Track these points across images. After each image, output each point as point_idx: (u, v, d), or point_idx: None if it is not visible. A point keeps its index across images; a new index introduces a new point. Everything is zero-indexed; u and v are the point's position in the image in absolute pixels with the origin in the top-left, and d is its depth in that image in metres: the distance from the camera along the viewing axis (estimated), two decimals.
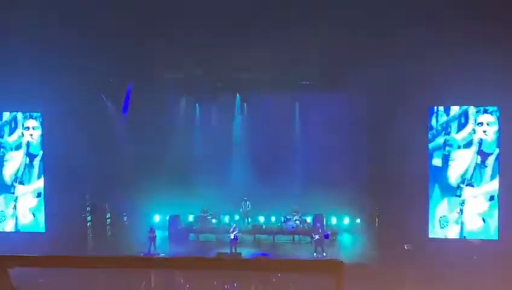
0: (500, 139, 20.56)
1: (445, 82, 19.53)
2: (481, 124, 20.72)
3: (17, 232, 23.14)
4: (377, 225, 22.19)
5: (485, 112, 20.71)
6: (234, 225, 22.54)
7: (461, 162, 20.89)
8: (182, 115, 25.16)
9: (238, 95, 24.60)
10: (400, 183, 20.31)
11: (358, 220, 24.13)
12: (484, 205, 20.83)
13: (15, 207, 23.17)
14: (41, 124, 22.91)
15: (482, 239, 20.68)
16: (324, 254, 21.43)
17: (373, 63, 19.87)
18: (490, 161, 20.73)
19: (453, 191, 21.02)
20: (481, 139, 20.77)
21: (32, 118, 22.98)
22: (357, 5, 18.89)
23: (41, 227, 23.06)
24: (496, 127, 20.64)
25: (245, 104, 24.84)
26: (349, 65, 20.41)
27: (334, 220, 23.93)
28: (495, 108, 20.63)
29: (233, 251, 21.64)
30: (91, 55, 20.62)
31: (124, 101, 22.88)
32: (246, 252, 21.53)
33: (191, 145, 25.04)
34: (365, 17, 18.92)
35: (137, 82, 22.35)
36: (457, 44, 18.68)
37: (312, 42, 20.24)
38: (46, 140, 22.83)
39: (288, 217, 23.82)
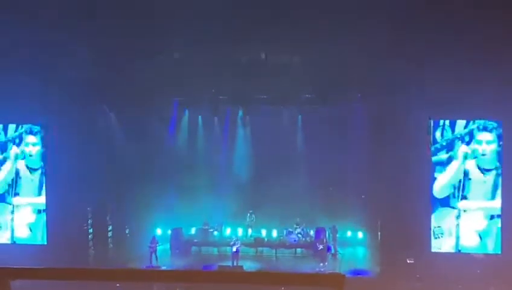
0: (503, 155, 20.44)
1: (446, 95, 19.53)
2: (479, 142, 20.58)
3: (14, 244, 23.07)
4: (379, 238, 22.10)
5: (485, 129, 20.55)
6: (235, 238, 22.48)
7: (454, 175, 20.76)
8: (184, 128, 25.18)
9: (240, 107, 24.62)
10: (402, 197, 20.25)
11: (360, 233, 24.07)
12: (482, 223, 20.66)
13: (12, 219, 23.11)
14: (42, 135, 22.84)
15: (485, 253, 20.56)
16: (326, 264, 21.38)
17: (374, 77, 19.93)
18: (490, 177, 20.58)
19: (446, 203, 20.92)
20: (476, 155, 20.63)
21: (33, 134, 22.92)
22: (357, 20, 18.97)
23: (38, 240, 22.93)
24: (493, 146, 20.48)
25: (247, 117, 24.86)
26: (351, 78, 20.48)
27: (336, 234, 23.81)
28: (495, 124, 20.48)
29: (235, 264, 21.56)
30: (94, 66, 20.73)
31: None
32: (247, 265, 21.44)
33: (194, 158, 25.02)
34: (366, 31, 19.00)
35: (140, 94, 22.41)
36: (458, 56, 18.74)
37: (314, 57, 20.33)
38: (47, 152, 22.76)
39: (290, 230, 23.76)
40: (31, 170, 22.91)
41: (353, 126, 22.60)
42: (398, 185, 20.23)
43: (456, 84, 18.98)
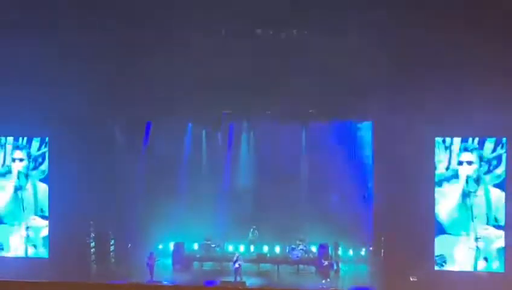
0: (508, 172, 20.34)
1: (453, 112, 19.50)
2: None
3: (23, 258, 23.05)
4: (382, 255, 21.99)
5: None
6: (237, 254, 22.39)
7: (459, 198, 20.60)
8: (188, 143, 25.20)
9: (245, 122, 24.65)
10: (406, 214, 20.16)
11: (363, 251, 23.96)
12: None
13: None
14: (49, 149, 22.86)
15: (489, 272, 20.43)
16: (328, 280, 21.26)
17: (378, 92, 19.95)
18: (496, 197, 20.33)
19: (450, 229, 20.68)
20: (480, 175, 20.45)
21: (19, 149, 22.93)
22: (360, 34, 19.06)
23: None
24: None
25: (251, 132, 24.89)
26: (356, 95, 20.50)
27: (339, 250, 23.71)
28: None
29: (239, 279, 21.48)
30: (101, 84, 20.87)
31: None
32: (250, 281, 21.35)
33: (197, 173, 25.01)
34: (369, 45, 19.07)
35: (144, 110, 22.49)
36: (464, 73, 18.76)
37: (319, 72, 20.37)
38: (52, 165, 22.78)
39: (293, 246, 23.69)
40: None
41: (357, 143, 22.57)
42: (402, 202, 20.14)
43: (461, 100, 18.98)
